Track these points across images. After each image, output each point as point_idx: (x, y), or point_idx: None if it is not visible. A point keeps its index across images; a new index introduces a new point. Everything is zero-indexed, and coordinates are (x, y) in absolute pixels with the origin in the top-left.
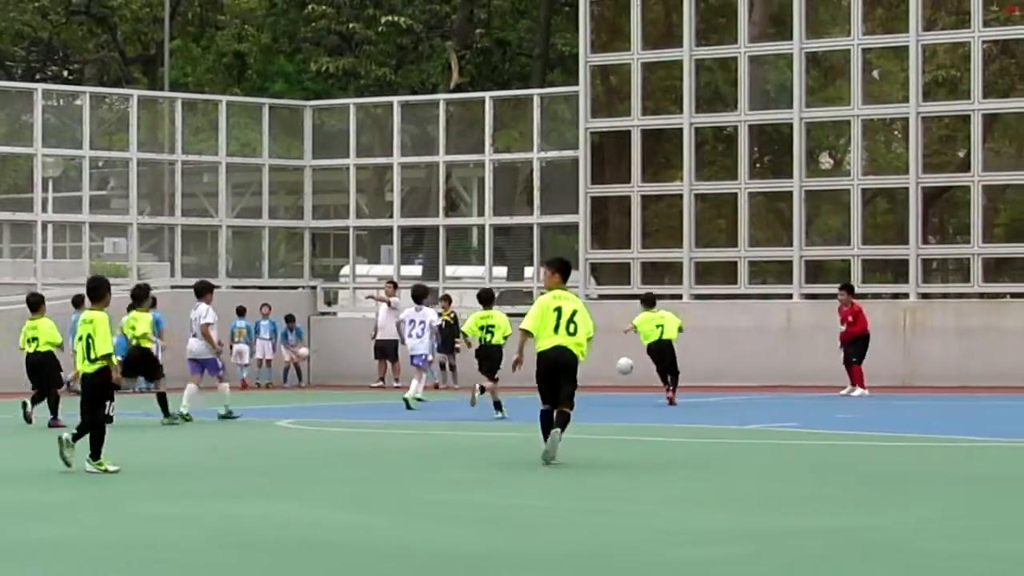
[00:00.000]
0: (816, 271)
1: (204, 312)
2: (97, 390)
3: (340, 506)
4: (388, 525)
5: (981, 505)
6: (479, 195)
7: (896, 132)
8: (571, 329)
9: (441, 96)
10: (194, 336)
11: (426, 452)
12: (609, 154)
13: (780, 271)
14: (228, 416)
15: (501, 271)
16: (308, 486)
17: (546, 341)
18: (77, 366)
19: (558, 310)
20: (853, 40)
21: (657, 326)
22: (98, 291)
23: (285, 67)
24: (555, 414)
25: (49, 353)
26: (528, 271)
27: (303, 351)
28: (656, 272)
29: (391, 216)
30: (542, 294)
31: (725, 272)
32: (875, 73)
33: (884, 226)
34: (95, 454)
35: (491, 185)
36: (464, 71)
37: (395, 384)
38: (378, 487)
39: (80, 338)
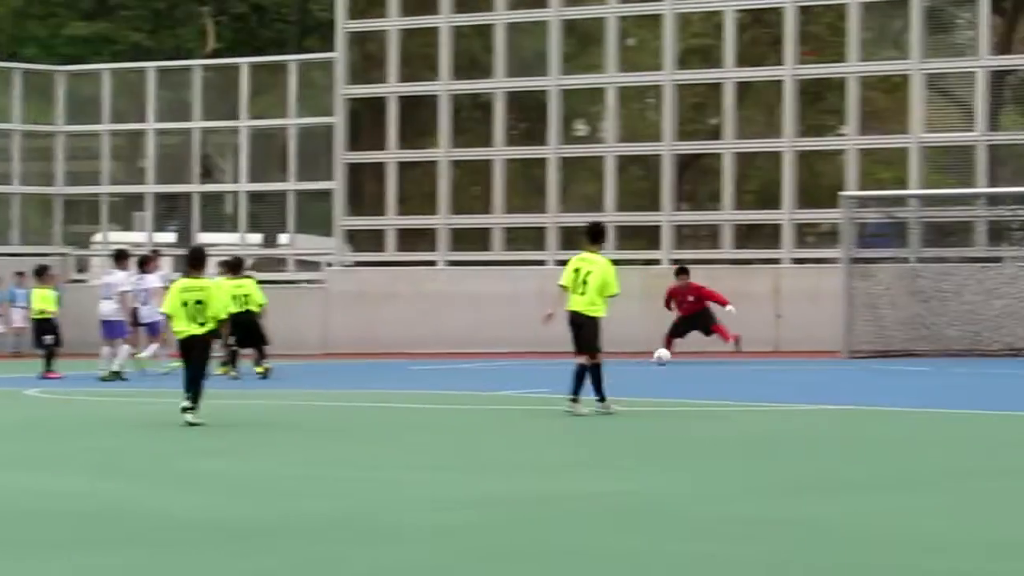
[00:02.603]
0: (570, 238)
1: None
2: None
3: (90, 475)
4: (138, 493)
5: (727, 468)
6: (234, 161)
7: (650, 99)
8: (581, 290)
9: (196, 62)
10: (108, 300)
11: (176, 421)
12: (366, 121)
13: (535, 238)
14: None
15: (256, 238)
16: (57, 456)
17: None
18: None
19: (577, 271)
20: (609, 8)
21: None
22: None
23: (37, 32)
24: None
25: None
26: (283, 238)
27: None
28: (411, 239)
29: (144, 183)
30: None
31: (480, 239)
32: (630, 41)
33: (638, 193)
34: None
35: (247, 151)
36: (220, 37)
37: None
38: (129, 456)
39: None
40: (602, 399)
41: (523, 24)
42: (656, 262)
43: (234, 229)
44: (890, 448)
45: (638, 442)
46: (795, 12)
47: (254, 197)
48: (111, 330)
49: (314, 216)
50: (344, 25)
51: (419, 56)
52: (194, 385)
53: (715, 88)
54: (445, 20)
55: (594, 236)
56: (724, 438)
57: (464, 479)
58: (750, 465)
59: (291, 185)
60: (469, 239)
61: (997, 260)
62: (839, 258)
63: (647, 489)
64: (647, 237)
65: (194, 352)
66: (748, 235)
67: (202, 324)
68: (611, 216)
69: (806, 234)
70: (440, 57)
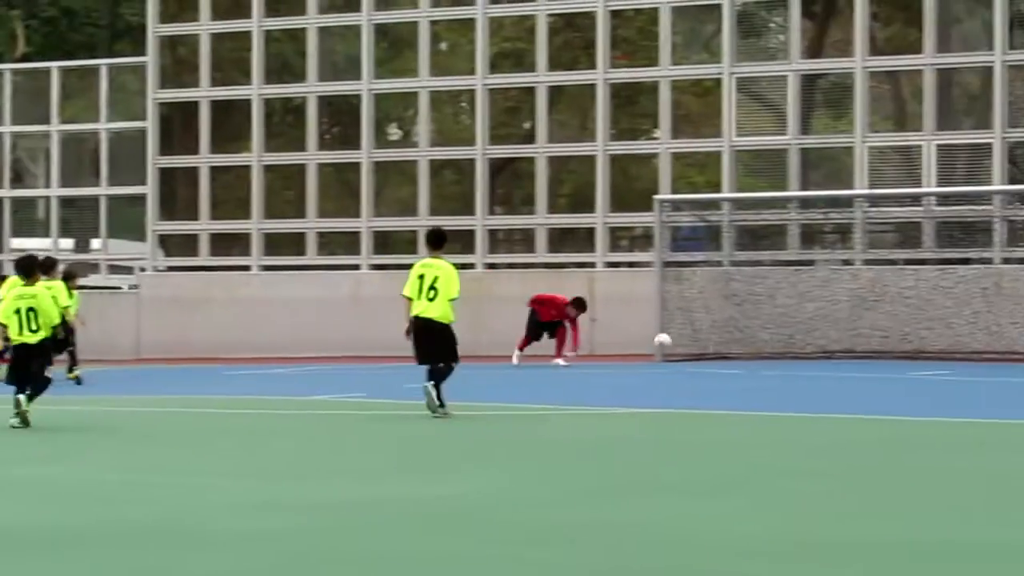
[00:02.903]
0: (384, 242)
1: None
2: None
3: None
4: None
5: (545, 471)
6: (45, 166)
7: (463, 104)
8: (431, 295)
9: (6, 66)
10: None
11: None
12: (178, 125)
13: (348, 242)
14: None
15: (68, 243)
16: None
17: (415, 306)
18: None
19: (421, 277)
20: (421, 12)
21: None
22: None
23: None
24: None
25: None
26: (95, 243)
27: None
28: (225, 244)
29: None
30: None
31: (294, 243)
32: (442, 45)
33: (452, 197)
34: None
35: (58, 156)
36: (30, 41)
37: None
38: None
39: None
40: (441, 404)
41: (335, 28)
42: (470, 266)
43: (46, 234)
44: (703, 451)
45: (456, 446)
46: (606, 16)
47: (66, 202)
48: None
49: (127, 221)
50: (155, 29)
51: (231, 60)
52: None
53: (528, 92)
54: (257, 24)
55: (436, 241)
56: (542, 441)
57: (279, 484)
58: (568, 469)
59: (103, 190)
60: (283, 244)
61: (810, 263)
62: (652, 262)
63: (466, 493)
64: (461, 241)
65: (31, 359)
66: (562, 239)
67: (34, 331)
68: (424, 220)
69: (620, 238)
70: (252, 61)
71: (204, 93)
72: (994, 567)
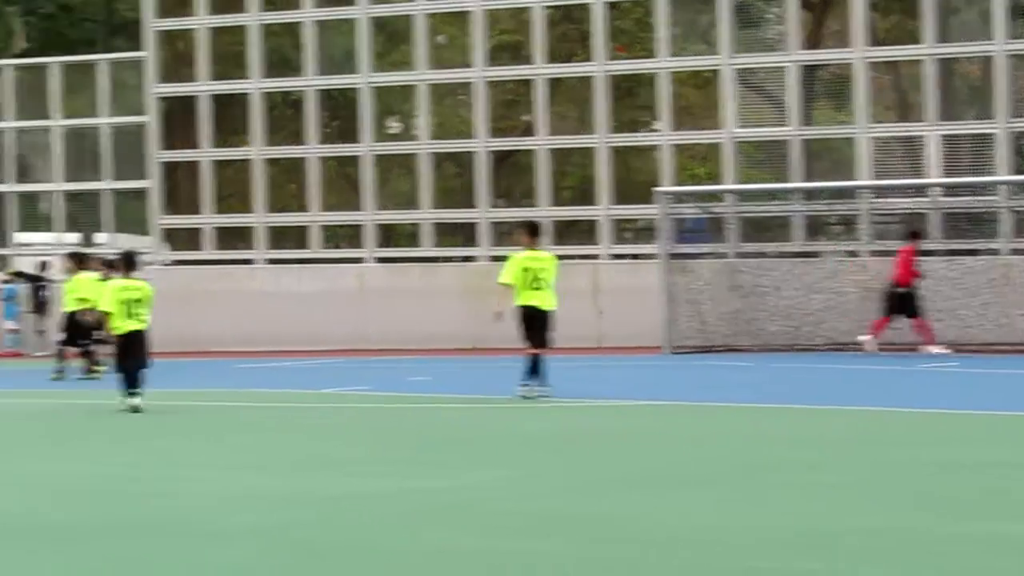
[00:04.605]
0: (388, 235)
1: None
2: None
3: None
4: None
5: (545, 464)
6: (48, 161)
7: (462, 96)
8: (537, 285)
9: (5, 62)
10: None
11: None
12: (179, 119)
13: (351, 235)
14: None
15: (73, 237)
16: None
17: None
18: None
19: (527, 269)
20: (417, 5)
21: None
22: None
23: None
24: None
25: None
26: (101, 237)
27: None
28: (229, 237)
29: None
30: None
31: (298, 236)
32: (440, 38)
33: (453, 190)
34: None
35: (61, 151)
36: (29, 36)
37: None
38: None
39: None
40: (541, 385)
41: (332, 22)
42: (473, 259)
43: (51, 229)
44: (711, 443)
45: (461, 439)
46: (603, 8)
47: (70, 196)
48: None
49: (132, 215)
50: (152, 24)
51: (229, 54)
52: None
53: (526, 84)
54: (254, 18)
55: (534, 232)
56: (548, 434)
57: (292, 478)
58: (569, 461)
59: (107, 184)
60: (287, 237)
61: (815, 255)
62: (657, 254)
63: (468, 485)
64: (464, 234)
65: (133, 346)
66: (566, 231)
67: (138, 319)
68: (427, 214)
69: (624, 230)
70: (250, 55)
71: (203, 87)
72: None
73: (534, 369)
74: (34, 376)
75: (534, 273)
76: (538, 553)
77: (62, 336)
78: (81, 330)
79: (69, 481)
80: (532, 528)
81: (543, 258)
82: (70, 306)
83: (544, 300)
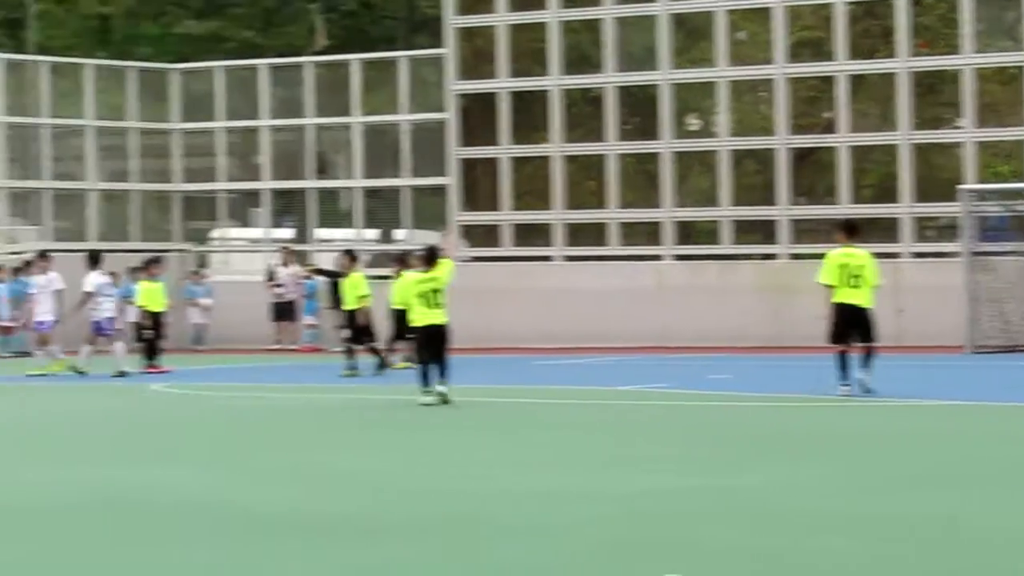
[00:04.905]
0: (686, 232)
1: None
2: None
3: (197, 468)
4: (255, 487)
5: (849, 464)
6: (348, 158)
7: (763, 93)
8: (854, 283)
9: (307, 59)
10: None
11: (293, 414)
12: (477, 116)
13: (650, 232)
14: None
15: (372, 234)
16: (176, 449)
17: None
18: None
19: (843, 266)
20: (718, 2)
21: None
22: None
23: (150, 31)
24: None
25: None
26: (399, 234)
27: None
28: (527, 234)
29: (260, 179)
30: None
31: (596, 233)
32: (740, 34)
33: (753, 187)
34: None
35: (360, 148)
36: (330, 34)
37: (292, 347)
38: (238, 449)
39: None
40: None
41: (631, 19)
42: (772, 257)
43: (350, 225)
44: (1010, 445)
45: (760, 436)
46: (907, 4)
47: (369, 193)
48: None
49: (429, 212)
50: (452, 21)
51: (529, 51)
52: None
53: (827, 81)
54: (553, 15)
55: (852, 231)
56: (842, 433)
57: (582, 474)
58: (868, 460)
59: (406, 181)
60: (585, 234)
61: None
62: (960, 252)
63: (759, 484)
64: (763, 232)
65: (433, 339)
66: (867, 229)
67: (438, 310)
68: (726, 211)
69: (925, 228)
70: (550, 52)
71: (503, 84)
72: None
73: (846, 365)
74: (331, 372)
75: (851, 271)
76: (840, 552)
77: (348, 334)
78: (364, 327)
79: (362, 477)
80: (832, 526)
81: (859, 255)
82: (350, 304)
83: (863, 298)
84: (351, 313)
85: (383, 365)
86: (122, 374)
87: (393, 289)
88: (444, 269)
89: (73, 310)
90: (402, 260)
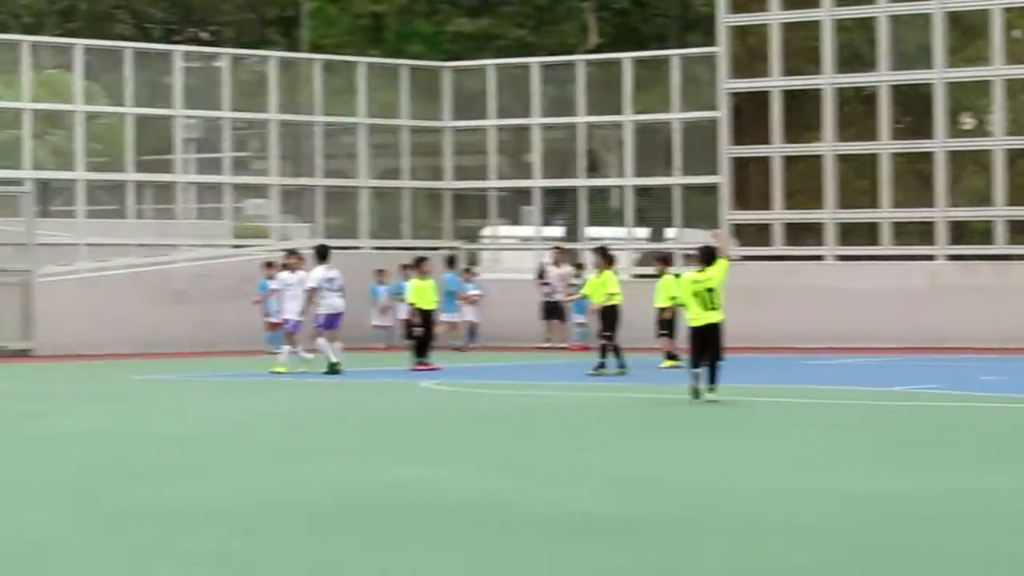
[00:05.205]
0: (960, 232)
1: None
2: None
3: (478, 467)
4: (525, 486)
5: None
6: (619, 156)
7: None
8: None
9: (579, 57)
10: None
11: (562, 413)
12: (749, 115)
13: (922, 232)
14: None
15: (642, 232)
16: (446, 447)
17: None
18: None
19: None
20: (993, 0)
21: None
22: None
23: (423, 29)
24: None
25: None
26: (669, 232)
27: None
28: (797, 233)
29: (531, 177)
30: None
31: (867, 233)
32: (1016, 33)
33: None
34: None
35: (631, 146)
36: (602, 32)
37: (562, 345)
38: (516, 448)
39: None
40: None
41: (905, 17)
42: None
43: (620, 224)
44: None
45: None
46: None
47: (640, 191)
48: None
49: (700, 210)
50: (724, 19)
51: (802, 49)
52: (712, 367)
53: None
54: (827, 13)
55: None
56: None
57: (849, 475)
58: None
59: (676, 179)
60: (856, 233)
61: None
62: None
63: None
64: None
65: (709, 339)
66: None
67: (712, 310)
68: (1001, 211)
69: None
70: (823, 50)
71: (775, 83)
72: None
73: None
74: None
75: None
76: None
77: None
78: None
79: (624, 472)
80: None
81: None
82: (599, 302)
83: None
84: (601, 310)
85: (622, 365)
86: (335, 370)
87: (657, 288)
88: (719, 269)
89: (305, 308)
90: (665, 260)
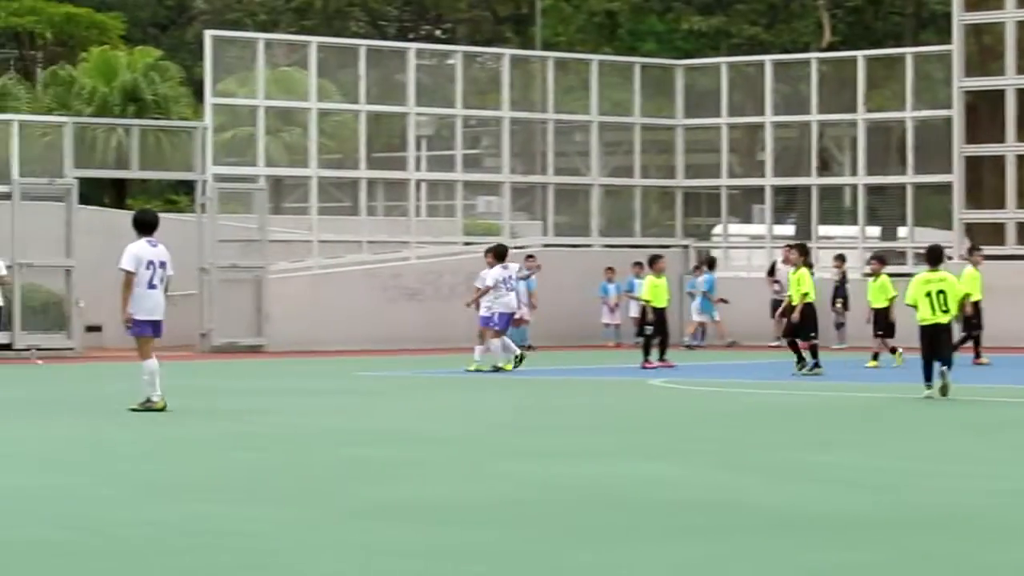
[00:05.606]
0: None
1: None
2: None
3: (710, 466)
4: (757, 485)
5: None
6: (851, 155)
7: None
8: None
9: (813, 55)
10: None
11: (793, 412)
12: (982, 114)
13: None
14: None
15: (874, 231)
16: (677, 446)
17: None
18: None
19: None
20: None
21: None
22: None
23: (656, 26)
24: None
25: None
26: (902, 231)
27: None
28: None
29: (762, 175)
30: None
31: None
32: None
33: None
34: None
35: (863, 144)
36: (835, 30)
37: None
38: (745, 448)
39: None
40: None
41: None
42: None
43: (852, 222)
44: None
45: None
46: None
47: (872, 190)
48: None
49: (933, 209)
50: (960, 17)
51: None
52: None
53: None
54: None
55: None
56: None
57: None
58: None
59: (909, 178)
60: None
61: None
62: None
63: None
64: None
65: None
66: None
67: (944, 312)
68: None
69: None
70: None
71: (1010, 81)
72: None
73: None
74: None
75: None
76: None
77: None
78: (806, 321)
79: (844, 473)
80: None
81: None
82: (795, 300)
83: None
84: (796, 308)
85: (803, 363)
86: (496, 369)
87: (872, 288)
88: (968, 279)
89: (473, 303)
90: (881, 259)
